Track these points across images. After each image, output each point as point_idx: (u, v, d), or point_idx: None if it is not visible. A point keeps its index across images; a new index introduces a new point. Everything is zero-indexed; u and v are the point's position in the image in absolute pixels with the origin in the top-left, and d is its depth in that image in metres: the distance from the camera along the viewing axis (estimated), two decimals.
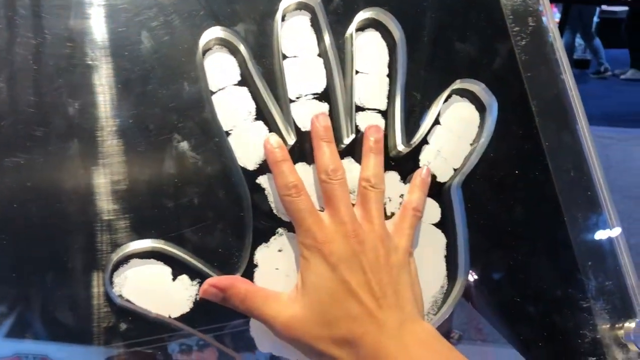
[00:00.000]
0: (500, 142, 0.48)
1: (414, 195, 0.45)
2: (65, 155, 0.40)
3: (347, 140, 0.45)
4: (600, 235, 0.50)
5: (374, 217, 0.42)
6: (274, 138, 0.43)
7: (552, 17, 0.52)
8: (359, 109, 0.46)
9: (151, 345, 0.41)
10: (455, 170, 0.48)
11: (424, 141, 0.47)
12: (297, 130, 0.44)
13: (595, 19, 5.18)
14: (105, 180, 0.40)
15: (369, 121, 0.46)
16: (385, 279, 0.40)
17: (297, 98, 0.45)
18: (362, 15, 0.47)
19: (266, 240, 0.43)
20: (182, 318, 0.41)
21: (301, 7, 0.46)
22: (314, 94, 0.45)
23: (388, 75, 0.47)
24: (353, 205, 0.43)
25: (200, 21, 0.43)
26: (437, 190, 0.47)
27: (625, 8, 5.01)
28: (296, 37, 0.45)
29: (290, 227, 0.43)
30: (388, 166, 0.46)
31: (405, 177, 0.46)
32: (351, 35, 0.46)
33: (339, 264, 0.39)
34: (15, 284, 0.39)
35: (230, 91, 0.44)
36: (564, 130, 0.50)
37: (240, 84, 0.44)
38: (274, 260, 0.43)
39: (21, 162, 0.39)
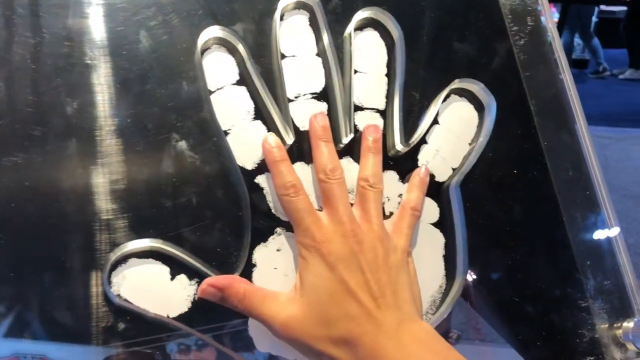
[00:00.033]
0: (498, 142, 0.48)
1: (412, 194, 0.45)
2: (63, 154, 0.40)
3: (345, 139, 0.45)
4: (599, 234, 0.50)
5: (373, 217, 0.42)
6: (272, 138, 0.43)
7: (550, 16, 0.52)
8: (358, 108, 0.46)
9: (150, 345, 0.41)
10: (453, 169, 0.48)
11: (423, 141, 0.47)
12: (296, 130, 0.44)
13: (594, 19, 5.19)
14: (104, 179, 0.40)
15: (367, 121, 0.46)
16: (383, 279, 0.40)
17: (296, 97, 0.45)
18: (361, 14, 0.47)
19: (265, 239, 0.43)
20: (181, 318, 0.41)
21: (300, 6, 0.46)
22: (312, 94, 0.45)
23: (387, 75, 0.47)
24: (352, 204, 0.43)
25: (199, 20, 0.43)
26: (435, 189, 0.47)
27: (624, 8, 5.02)
28: (295, 37, 0.45)
29: (288, 227, 0.43)
30: (387, 166, 0.46)
31: (403, 177, 0.46)
32: (350, 34, 0.46)
33: (337, 263, 0.39)
34: (13, 284, 0.39)
35: (229, 90, 0.44)
36: (563, 129, 0.51)
37: (238, 83, 0.44)
38: (273, 260, 0.43)
39: (19, 162, 0.39)
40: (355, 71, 0.46)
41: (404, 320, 0.39)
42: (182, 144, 0.42)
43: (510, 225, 0.48)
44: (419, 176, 0.46)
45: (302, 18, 0.46)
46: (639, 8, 4.61)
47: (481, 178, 0.48)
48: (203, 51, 0.43)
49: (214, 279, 0.41)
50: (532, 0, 0.51)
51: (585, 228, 0.50)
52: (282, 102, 0.44)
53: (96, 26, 0.41)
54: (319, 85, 0.45)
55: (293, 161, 0.43)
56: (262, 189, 0.43)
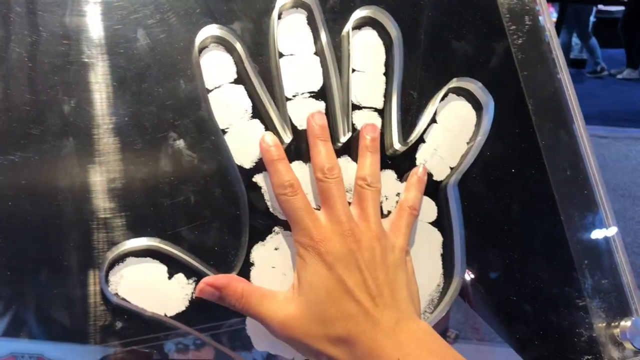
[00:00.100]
0: (496, 141, 0.48)
1: (410, 193, 0.45)
2: (60, 153, 0.40)
3: (343, 138, 0.45)
4: (597, 234, 0.50)
5: (370, 216, 0.42)
6: (269, 136, 0.43)
7: (548, 16, 0.52)
8: (356, 107, 0.46)
9: (147, 344, 0.41)
10: (451, 168, 0.48)
11: (421, 140, 0.47)
12: (294, 129, 0.44)
13: (592, 19, 5.19)
14: (101, 178, 0.40)
15: (365, 120, 0.46)
16: (381, 278, 0.40)
17: (294, 96, 0.45)
18: (359, 13, 0.47)
19: (262, 238, 0.43)
20: (178, 317, 0.41)
21: (298, 5, 0.46)
22: (310, 92, 0.45)
23: (384, 74, 0.47)
24: (349, 204, 0.43)
25: (197, 19, 0.43)
26: (433, 188, 0.47)
27: (622, 8, 5.02)
28: (293, 36, 0.45)
29: (286, 226, 0.43)
30: (384, 165, 0.46)
31: (401, 176, 0.46)
32: (348, 33, 0.46)
33: (335, 262, 0.39)
34: (10, 283, 0.39)
35: (227, 89, 0.43)
36: (561, 129, 0.51)
37: (236, 82, 0.44)
38: (270, 259, 0.43)
39: (16, 160, 0.39)
40: (353, 70, 0.46)
41: (401, 319, 0.39)
42: (180, 143, 0.42)
43: (508, 224, 0.48)
44: (417, 175, 0.46)
45: (300, 17, 0.46)
46: (636, 8, 4.62)
47: (479, 177, 0.48)
48: (201, 50, 0.43)
49: (212, 278, 0.41)
50: None
51: (583, 227, 0.50)
52: (280, 100, 0.44)
53: (93, 24, 0.41)
54: (316, 84, 0.45)
55: (291, 160, 0.43)
56: (260, 187, 0.43)
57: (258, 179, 0.43)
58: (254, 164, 0.43)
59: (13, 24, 0.40)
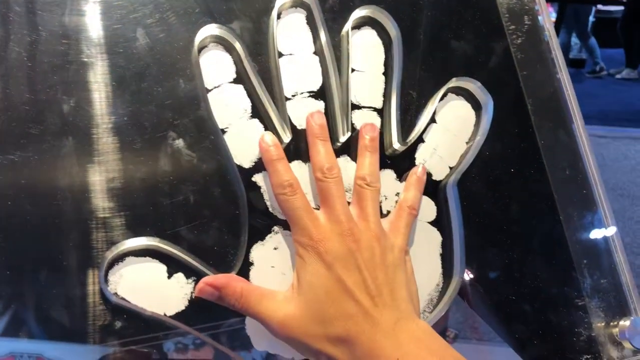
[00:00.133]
0: (496, 141, 0.48)
1: (409, 193, 0.45)
2: (60, 152, 0.40)
3: (342, 138, 0.45)
4: (596, 233, 0.50)
5: (370, 216, 0.42)
6: (268, 136, 0.43)
7: (548, 15, 0.52)
8: (355, 107, 0.46)
9: (147, 344, 0.41)
10: (451, 168, 0.48)
11: (420, 139, 0.47)
12: (293, 128, 0.44)
13: (591, 19, 5.19)
14: (101, 177, 0.40)
15: (364, 119, 0.46)
16: (380, 278, 0.40)
17: (293, 96, 0.45)
18: (358, 13, 0.47)
19: (262, 238, 0.43)
20: (178, 316, 0.41)
21: (297, 4, 0.46)
22: (309, 92, 0.45)
23: (384, 74, 0.47)
24: (349, 203, 0.43)
25: (196, 18, 0.43)
26: (432, 188, 0.47)
27: (621, 8, 5.03)
28: (292, 35, 0.45)
29: (286, 225, 0.43)
30: (384, 164, 0.46)
31: (401, 175, 0.46)
32: (347, 33, 0.46)
33: (334, 262, 0.39)
34: (9, 282, 0.39)
35: (226, 89, 0.43)
36: (560, 128, 0.51)
37: (235, 81, 0.44)
38: (270, 259, 0.43)
39: (16, 160, 0.39)
40: (353, 70, 0.46)
41: (401, 319, 0.39)
42: (179, 142, 0.42)
43: (507, 224, 0.48)
44: (416, 175, 0.46)
45: (300, 16, 0.46)
46: (636, 8, 4.62)
47: (478, 177, 0.48)
48: (200, 49, 0.43)
49: (211, 278, 0.41)
50: None
51: (582, 227, 0.50)
52: (280, 100, 0.44)
53: (93, 24, 0.41)
54: (316, 84, 0.45)
55: (290, 160, 0.43)
56: (259, 187, 0.43)
57: (257, 178, 0.43)
58: (253, 164, 0.43)
59: (12, 24, 0.40)
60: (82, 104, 0.40)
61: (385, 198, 0.46)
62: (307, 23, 0.46)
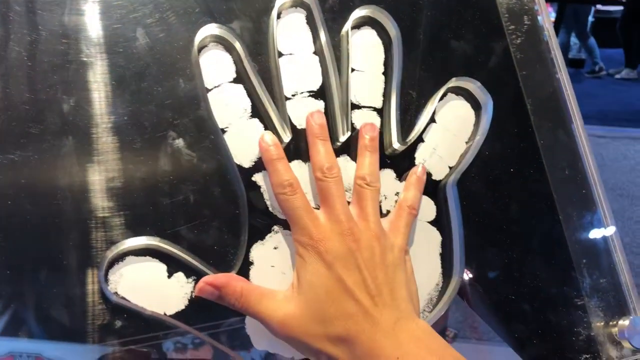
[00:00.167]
0: (495, 141, 0.48)
1: (409, 193, 0.45)
2: (60, 152, 0.40)
3: (342, 138, 0.45)
4: (595, 233, 0.50)
5: (370, 215, 0.42)
6: (268, 136, 0.43)
7: (547, 15, 0.52)
8: (355, 106, 0.46)
9: (146, 343, 0.41)
10: (450, 168, 0.48)
11: (420, 139, 0.47)
12: (293, 128, 0.44)
13: (590, 19, 5.19)
14: (101, 177, 0.40)
15: (364, 119, 0.46)
16: (380, 277, 0.40)
17: (293, 95, 0.45)
18: (358, 13, 0.47)
19: (262, 237, 0.43)
20: (178, 315, 0.41)
21: (297, 4, 0.46)
22: (309, 92, 0.45)
23: (384, 73, 0.47)
24: (349, 203, 0.43)
25: (196, 18, 0.43)
26: (432, 188, 0.47)
27: (620, 8, 5.03)
28: (292, 35, 0.45)
29: (285, 225, 0.43)
30: (383, 164, 0.46)
31: (400, 175, 0.46)
32: (347, 33, 0.46)
33: (334, 262, 0.39)
34: (9, 282, 0.39)
35: (226, 88, 0.43)
36: (559, 128, 0.51)
37: (235, 81, 0.44)
38: (270, 258, 0.43)
39: (16, 159, 0.39)
40: (353, 69, 0.46)
41: (401, 319, 0.39)
42: (179, 142, 0.42)
43: (506, 224, 0.48)
44: (416, 175, 0.46)
45: (300, 16, 0.46)
46: (635, 8, 4.62)
47: (478, 176, 0.48)
48: (200, 49, 0.43)
49: (211, 277, 0.41)
50: None
51: (581, 227, 0.50)
52: (279, 100, 0.44)
53: (93, 23, 0.41)
54: (316, 84, 0.45)
55: (290, 159, 0.43)
56: (259, 187, 0.43)
57: (257, 178, 0.43)
58: (253, 163, 0.43)
59: (12, 23, 0.40)
60: (82, 104, 0.40)
61: (385, 197, 0.46)
62: (307, 23, 0.46)
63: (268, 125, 0.44)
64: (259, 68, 0.44)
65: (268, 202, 0.43)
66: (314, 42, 0.46)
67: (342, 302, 0.39)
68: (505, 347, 0.48)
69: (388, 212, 0.46)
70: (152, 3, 0.42)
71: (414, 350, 0.37)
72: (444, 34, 0.49)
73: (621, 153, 3.05)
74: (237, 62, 0.44)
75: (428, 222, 0.47)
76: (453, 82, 0.48)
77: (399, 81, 0.47)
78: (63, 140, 0.40)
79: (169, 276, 0.41)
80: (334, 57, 0.45)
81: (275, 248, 0.43)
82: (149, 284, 0.41)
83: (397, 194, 0.46)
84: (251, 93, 0.44)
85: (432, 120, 0.48)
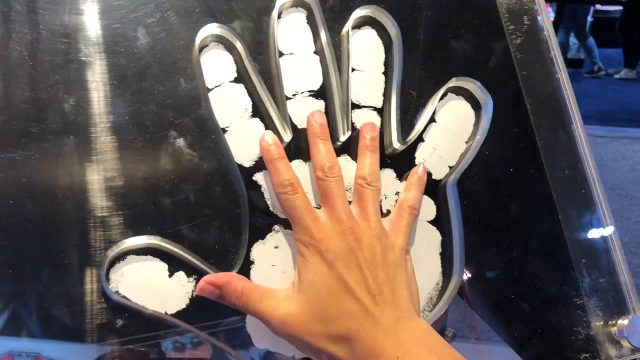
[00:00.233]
0: (495, 140, 0.49)
1: (410, 193, 0.45)
2: (61, 151, 0.40)
3: (343, 137, 0.45)
4: (594, 233, 0.50)
5: (371, 215, 0.42)
6: (269, 135, 0.43)
7: (547, 15, 0.52)
8: (355, 106, 0.46)
9: (145, 343, 0.41)
10: (450, 167, 0.48)
11: (420, 139, 0.47)
12: (293, 128, 0.44)
13: (590, 19, 5.20)
14: (102, 176, 0.40)
15: (364, 119, 0.46)
16: (381, 277, 0.40)
17: (294, 95, 0.45)
18: (359, 12, 0.47)
19: (262, 237, 0.43)
20: (179, 314, 0.41)
21: (297, 4, 0.46)
22: (310, 91, 0.45)
23: (384, 73, 0.47)
24: (349, 202, 0.43)
25: (197, 18, 0.43)
26: (432, 187, 0.47)
27: (620, 8, 5.03)
28: (292, 35, 0.45)
29: (286, 224, 0.43)
30: (384, 164, 0.46)
31: (401, 175, 0.47)
32: (347, 32, 0.46)
33: (335, 261, 0.39)
34: (8, 281, 0.39)
35: (227, 88, 0.44)
36: (559, 128, 0.51)
37: (236, 80, 0.44)
38: (271, 257, 0.43)
39: (17, 159, 0.39)
40: (353, 69, 0.46)
41: (401, 318, 0.39)
42: (180, 142, 0.42)
43: (506, 223, 0.49)
44: (417, 175, 0.46)
45: (300, 16, 0.46)
46: (634, 8, 4.63)
47: (478, 176, 0.48)
48: (201, 49, 0.43)
49: (212, 277, 0.41)
50: None
51: (580, 226, 0.50)
52: (280, 99, 0.44)
53: (94, 23, 0.41)
54: (316, 83, 0.45)
55: (291, 159, 0.43)
56: (260, 186, 0.43)
57: (258, 177, 0.43)
58: (254, 163, 0.43)
59: (13, 22, 0.40)
60: (83, 103, 0.41)
61: (385, 197, 0.46)
62: (308, 22, 0.46)
63: (269, 124, 0.44)
64: (260, 68, 0.44)
65: (269, 202, 0.43)
66: (315, 41, 0.46)
67: (343, 301, 0.39)
68: (504, 347, 0.48)
69: (388, 211, 0.46)
70: (153, 3, 0.42)
71: (414, 350, 0.38)
72: (444, 34, 0.49)
73: (620, 153, 3.05)
74: (238, 61, 0.44)
75: (428, 221, 0.47)
76: (453, 82, 0.48)
77: (399, 81, 0.47)
78: (64, 139, 0.40)
79: (170, 275, 0.41)
80: (335, 56, 0.46)
81: (276, 247, 0.43)
82: (150, 283, 0.41)
83: (397, 193, 0.46)
84: (252, 92, 0.44)
85: (432, 120, 0.48)
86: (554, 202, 0.49)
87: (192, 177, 0.42)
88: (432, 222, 0.47)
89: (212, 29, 0.43)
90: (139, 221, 0.41)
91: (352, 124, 0.46)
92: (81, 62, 0.41)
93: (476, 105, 0.49)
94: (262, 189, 0.43)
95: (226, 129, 0.43)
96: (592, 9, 5.18)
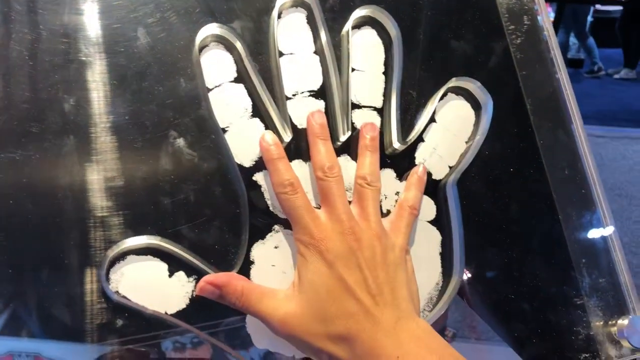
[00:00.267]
0: (495, 140, 0.49)
1: (410, 193, 0.45)
2: (61, 151, 0.40)
3: (343, 137, 0.45)
4: (594, 233, 0.50)
5: (371, 215, 0.42)
6: (269, 135, 0.43)
7: (547, 15, 0.52)
8: (355, 106, 0.46)
9: (145, 343, 0.41)
10: (450, 167, 0.48)
11: (420, 139, 0.47)
12: (293, 128, 0.44)
13: (590, 19, 5.20)
14: (102, 176, 0.40)
15: (364, 119, 0.46)
16: (381, 277, 0.40)
17: (294, 95, 0.45)
18: (358, 12, 0.47)
19: (262, 237, 0.43)
20: (179, 314, 0.41)
21: (297, 4, 0.46)
22: (310, 91, 0.45)
23: (384, 73, 0.47)
24: (349, 202, 0.43)
25: (197, 18, 0.43)
26: (432, 187, 0.47)
27: (619, 8, 5.03)
28: (292, 35, 0.45)
29: (286, 224, 0.43)
30: (384, 164, 0.46)
31: (401, 175, 0.47)
32: (347, 32, 0.46)
33: (335, 261, 0.39)
34: (8, 281, 0.39)
35: (227, 88, 0.44)
36: (559, 128, 0.51)
37: (236, 80, 0.44)
38: (271, 257, 0.43)
39: (17, 158, 0.39)
40: (353, 69, 0.46)
41: (401, 318, 0.39)
42: (180, 142, 0.42)
43: (506, 223, 0.49)
44: (417, 175, 0.46)
45: (300, 16, 0.46)
46: (634, 8, 4.63)
47: (478, 176, 0.48)
48: (201, 48, 0.43)
49: (212, 277, 0.41)
50: None
51: (580, 226, 0.50)
52: (280, 99, 0.44)
53: (94, 23, 0.41)
54: (316, 83, 0.45)
55: (291, 159, 0.43)
56: (260, 186, 0.43)
57: (258, 177, 0.43)
58: (254, 163, 0.43)
59: (13, 22, 0.40)
60: (83, 103, 0.41)
61: (385, 197, 0.46)
62: (308, 22, 0.46)
63: (269, 124, 0.44)
64: (260, 68, 0.44)
65: (269, 202, 0.43)
66: (315, 41, 0.46)
67: (343, 301, 0.39)
68: (504, 347, 0.48)
69: (388, 211, 0.46)
70: (153, 3, 0.42)
71: (414, 350, 0.38)
72: (444, 34, 0.49)
73: (620, 153, 3.05)
74: (238, 61, 0.44)
75: (428, 221, 0.47)
76: (453, 82, 0.48)
77: (399, 81, 0.47)
78: (64, 139, 0.40)
79: (170, 275, 0.41)
80: (335, 56, 0.46)
81: (275, 247, 0.43)
82: (150, 283, 0.41)
83: (397, 193, 0.46)
84: (252, 92, 0.44)
85: (432, 120, 0.48)
86: (554, 202, 0.49)
87: (192, 177, 0.42)
88: (432, 222, 0.47)
89: (212, 29, 0.43)
90: (139, 221, 0.41)
91: (352, 124, 0.46)
92: (81, 62, 0.41)
93: (476, 105, 0.49)
94: (262, 189, 0.43)
95: (226, 129, 0.43)
96: (592, 9, 5.18)
